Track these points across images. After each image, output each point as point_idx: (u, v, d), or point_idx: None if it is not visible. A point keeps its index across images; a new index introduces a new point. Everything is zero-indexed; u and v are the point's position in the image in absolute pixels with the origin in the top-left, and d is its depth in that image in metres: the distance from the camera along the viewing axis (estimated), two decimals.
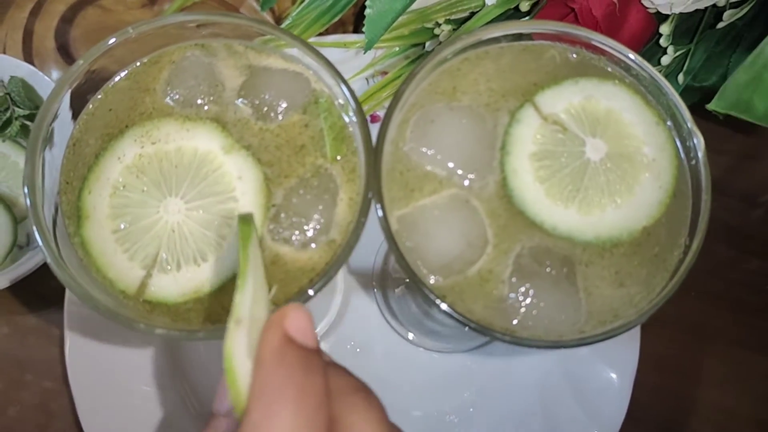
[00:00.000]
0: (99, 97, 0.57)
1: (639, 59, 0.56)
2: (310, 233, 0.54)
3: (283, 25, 0.93)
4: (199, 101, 0.57)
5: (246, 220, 0.45)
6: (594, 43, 0.57)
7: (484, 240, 0.54)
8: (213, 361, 0.96)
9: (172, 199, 0.54)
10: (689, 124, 0.54)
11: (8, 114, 0.86)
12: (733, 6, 0.84)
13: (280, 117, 0.57)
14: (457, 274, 0.54)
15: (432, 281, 0.53)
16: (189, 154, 0.55)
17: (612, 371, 0.90)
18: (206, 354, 0.95)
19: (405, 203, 0.54)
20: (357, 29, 1.07)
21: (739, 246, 1.00)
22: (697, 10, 0.88)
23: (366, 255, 1.04)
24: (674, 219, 0.55)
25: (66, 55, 1.07)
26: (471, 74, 0.57)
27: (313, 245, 0.54)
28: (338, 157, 0.56)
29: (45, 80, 0.90)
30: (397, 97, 0.54)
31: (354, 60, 0.99)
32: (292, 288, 0.54)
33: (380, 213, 0.52)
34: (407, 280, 1.01)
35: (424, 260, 0.53)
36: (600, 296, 0.54)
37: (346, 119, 0.57)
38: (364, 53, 0.85)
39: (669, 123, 0.56)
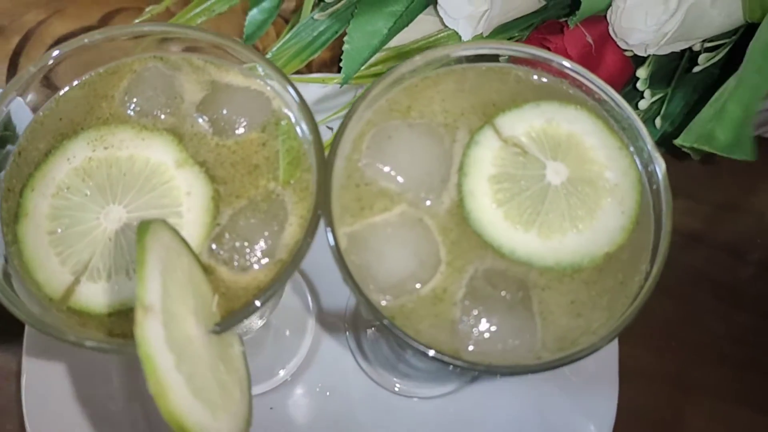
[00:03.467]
0: (50, 105, 0.56)
1: (602, 84, 0.55)
2: (251, 258, 0.53)
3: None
4: (157, 112, 0.56)
5: (148, 223, 0.44)
6: (561, 68, 0.56)
7: (436, 258, 0.52)
8: None
9: (115, 206, 0.52)
10: (651, 149, 0.53)
11: None
12: (708, 50, 0.84)
13: (237, 133, 0.56)
14: (409, 293, 0.51)
15: (382, 301, 0.51)
16: (140, 164, 0.54)
17: (590, 423, 0.87)
18: None
19: (356, 220, 0.53)
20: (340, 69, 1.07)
21: (725, 299, 0.98)
22: (674, 55, 0.88)
23: (338, 297, 1.02)
24: (636, 245, 0.53)
25: (49, 86, 1.07)
26: (428, 92, 0.56)
27: (255, 267, 0.52)
28: (291, 181, 0.55)
29: (25, 110, 0.89)
30: (350, 112, 0.53)
31: (337, 98, 0.99)
32: (237, 304, 0.51)
33: (327, 229, 0.50)
34: (378, 323, 0.98)
35: (374, 279, 0.51)
36: (556, 323, 0.51)
37: (301, 137, 0.56)
38: (341, 87, 0.85)
39: (631, 148, 0.55)
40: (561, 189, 0.54)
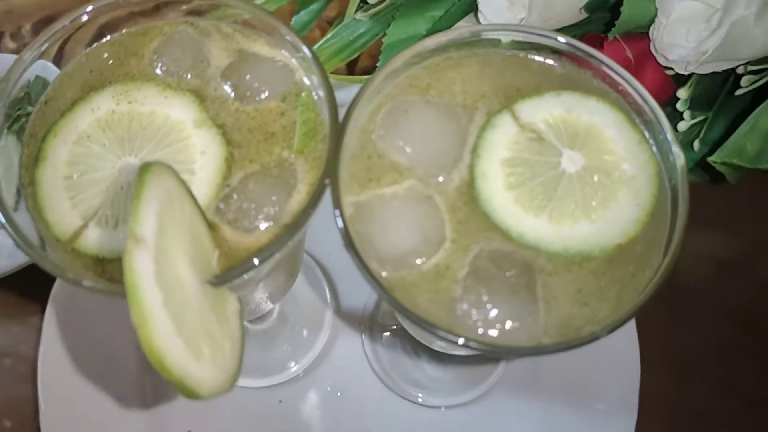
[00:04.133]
0: (80, 59, 0.58)
1: (627, 75, 0.54)
2: (256, 221, 0.53)
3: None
4: (182, 73, 0.57)
5: (152, 164, 0.44)
6: (586, 57, 0.55)
7: (441, 235, 0.51)
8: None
9: (131, 158, 0.53)
10: (671, 143, 0.52)
11: (19, 111, 0.89)
12: (752, 73, 0.82)
13: (258, 100, 0.57)
14: (410, 267, 0.51)
15: (382, 273, 0.50)
16: (160, 120, 0.55)
17: None
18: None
19: (363, 190, 0.53)
20: None
21: (756, 336, 0.94)
22: (718, 79, 0.87)
23: (358, 297, 1.01)
24: (650, 238, 0.51)
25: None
26: (450, 72, 0.56)
27: (259, 230, 0.53)
28: (305, 150, 0.55)
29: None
30: (368, 83, 0.53)
31: None
32: (237, 264, 0.51)
33: (333, 193, 0.50)
34: (394, 327, 0.97)
35: (376, 249, 0.51)
36: (560, 310, 0.50)
37: (320, 110, 0.56)
38: None
39: (651, 142, 0.54)
40: (575, 177, 0.53)
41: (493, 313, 0.50)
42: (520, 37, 0.55)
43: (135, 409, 0.94)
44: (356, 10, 0.95)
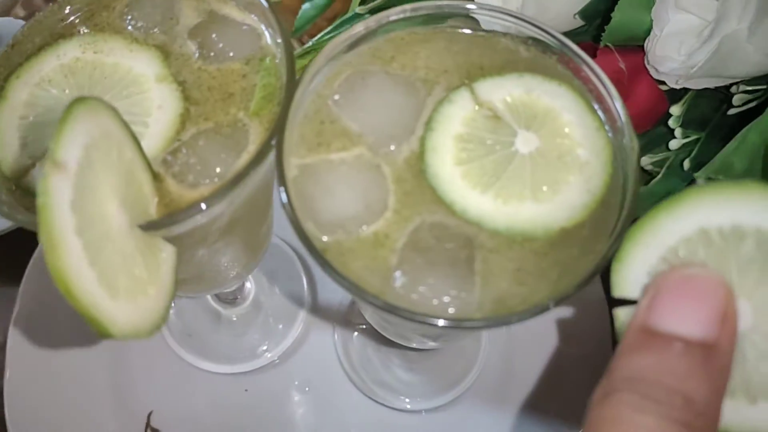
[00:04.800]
0: (53, 7, 0.59)
1: (589, 61, 0.53)
2: (201, 176, 0.53)
3: (306, 46, 0.96)
4: (151, 28, 0.58)
5: (87, 98, 0.44)
6: (551, 42, 0.55)
7: (383, 205, 0.51)
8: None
9: None
10: (627, 133, 0.50)
11: None
12: (747, 92, 0.80)
13: (221, 61, 0.57)
14: (348, 233, 0.50)
15: (321, 237, 0.50)
16: (122, 71, 0.56)
17: None
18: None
19: (310, 153, 0.52)
20: None
21: None
22: (714, 100, 0.85)
23: (335, 294, 1.01)
24: (598, 225, 0.50)
25: None
26: (415, 47, 0.56)
27: (203, 186, 0.52)
28: (261, 113, 0.55)
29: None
30: (328, 48, 0.53)
31: None
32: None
33: (277, 151, 0.49)
34: (363, 326, 0.96)
35: (316, 211, 0.50)
36: (497, 286, 0.48)
37: (281, 75, 0.56)
38: None
39: (609, 130, 0.52)
40: (528, 158, 0.52)
41: (427, 283, 0.49)
42: (487, 16, 0.55)
43: (97, 389, 0.93)
44: (359, 4, 0.96)
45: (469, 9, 0.55)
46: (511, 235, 0.50)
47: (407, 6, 0.54)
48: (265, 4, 0.56)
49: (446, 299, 0.48)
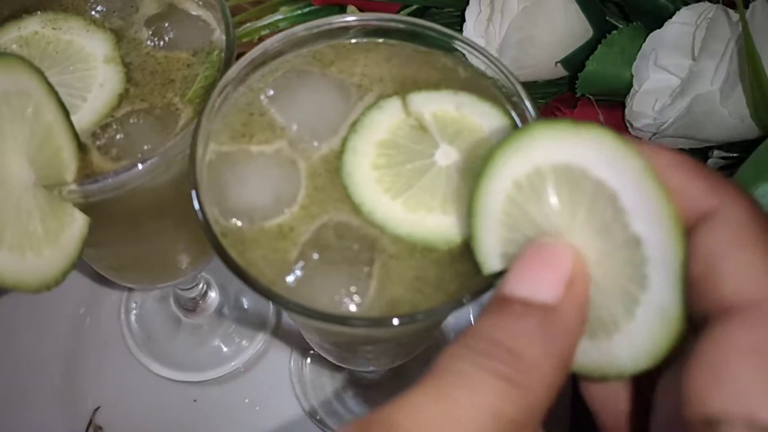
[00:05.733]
0: None
1: (517, 84, 0.53)
2: (124, 152, 0.54)
3: None
4: (110, 13, 0.60)
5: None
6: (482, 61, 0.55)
7: (293, 199, 0.51)
8: None
9: None
10: None
11: None
12: (722, 158, 0.79)
13: (169, 48, 0.59)
14: (251, 222, 0.50)
15: (228, 220, 0.50)
16: (75, 49, 0.58)
17: None
18: None
19: (232, 141, 0.53)
20: None
21: None
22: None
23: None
24: None
25: None
26: (356, 54, 0.57)
27: (126, 161, 0.53)
28: (196, 101, 0.56)
29: None
30: (265, 45, 0.54)
31: None
32: None
33: (195, 140, 0.50)
34: (312, 351, 0.95)
35: (225, 198, 0.50)
36: (392, 291, 0.48)
37: (223, 70, 0.57)
38: None
39: None
40: (444, 171, 0.51)
41: (323, 280, 0.48)
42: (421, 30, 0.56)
43: (49, 377, 0.94)
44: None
45: (411, 25, 0.56)
46: (412, 242, 0.49)
47: (350, 17, 0.55)
48: (225, 5, 0.58)
49: (337, 298, 0.47)
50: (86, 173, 0.53)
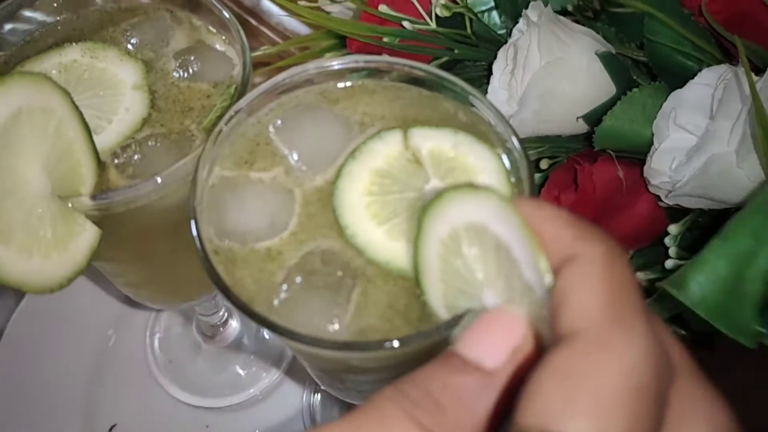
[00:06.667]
0: (71, 17, 0.69)
1: (516, 142, 0.55)
2: (139, 172, 0.58)
3: None
4: (143, 46, 0.65)
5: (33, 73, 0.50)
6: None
7: (284, 225, 0.53)
8: None
9: None
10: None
11: None
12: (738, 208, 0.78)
13: (193, 80, 0.63)
14: (243, 243, 0.53)
15: (220, 240, 0.53)
16: (108, 76, 0.63)
17: None
18: None
19: (235, 167, 0.56)
20: None
21: None
22: (715, 220, 0.83)
23: None
24: None
25: None
26: (362, 96, 0.60)
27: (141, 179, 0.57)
28: (210, 129, 0.60)
29: None
30: (276, 81, 0.57)
31: None
32: None
33: (201, 165, 0.53)
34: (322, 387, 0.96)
35: (220, 218, 0.53)
36: (366, 320, 0.49)
37: None
38: None
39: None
40: None
41: (303, 304, 0.50)
42: (427, 75, 0.58)
43: (69, 393, 0.97)
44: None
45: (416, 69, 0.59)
46: (387, 269, 0.51)
47: (358, 57, 0.58)
48: (244, 41, 0.62)
49: (315, 321, 0.49)
50: (102, 188, 0.57)
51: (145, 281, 0.73)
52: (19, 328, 0.99)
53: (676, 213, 0.83)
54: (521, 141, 0.55)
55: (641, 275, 0.87)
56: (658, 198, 0.84)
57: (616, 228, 0.87)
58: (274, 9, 1.00)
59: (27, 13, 0.66)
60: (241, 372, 0.99)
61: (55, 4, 0.68)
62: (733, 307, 0.68)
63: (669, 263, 0.84)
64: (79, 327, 1.01)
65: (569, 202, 0.87)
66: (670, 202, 0.80)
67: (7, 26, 0.66)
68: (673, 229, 0.83)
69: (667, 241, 0.84)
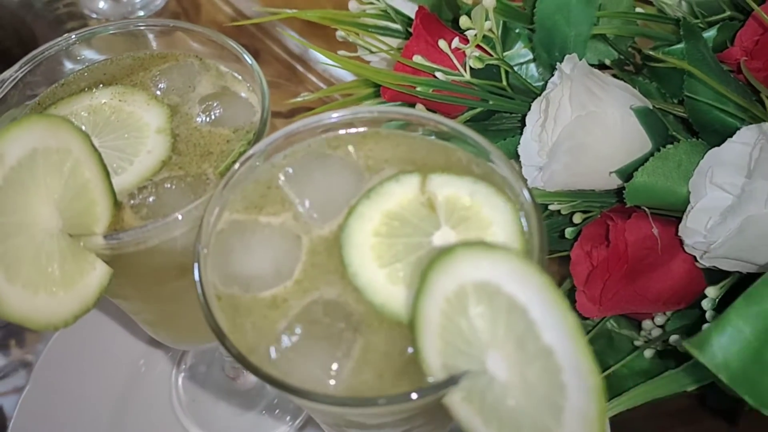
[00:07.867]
0: (105, 62, 0.71)
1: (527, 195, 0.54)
2: (153, 213, 0.59)
3: None
4: (170, 91, 0.67)
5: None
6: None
7: (290, 273, 0.53)
8: None
9: (93, 138, 0.62)
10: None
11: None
12: None
13: (215, 125, 0.64)
14: (246, 290, 0.52)
15: (221, 286, 0.53)
16: (134, 119, 0.65)
17: None
18: None
19: (245, 211, 0.56)
20: None
21: None
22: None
23: None
24: None
25: None
26: (371, 142, 0.59)
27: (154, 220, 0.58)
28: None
29: None
30: (286, 131, 0.58)
31: None
32: None
33: (210, 209, 0.54)
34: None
35: (225, 262, 0.53)
36: (360, 377, 0.48)
37: None
38: None
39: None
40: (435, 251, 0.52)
41: (303, 355, 0.49)
42: (440, 126, 0.58)
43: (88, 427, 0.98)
44: None
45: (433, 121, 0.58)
46: (382, 312, 0.50)
47: (374, 108, 0.58)
48: (265, 88, 0.63)
49: (316, 373, 0.48)
50: (116, 228, 0.58)
51: (159, 320, 0.73)
52: (50, 362, 1.00)
53: (716, 275, 0.80)
54: (532, 194, 0.54)
55: (676, 338, 0.84)
56: (695, 258, 0.81)
57: (651, 287, 0.83)
58: (321, 57, 1.02)
59: (63, 58, 0.69)
60: (262, 416, 0.98)
61: (94, 50, 0.70)
62: (757, 374, 0.64)
63: (706, 327, 0.79)
64: (112, 356, 1.01)
65: (601, 258, 0.85)
66: (706, 263, 0.77)
67: (42, 68, 0.69)
68: (711, 291, 0.80)
69: (704, 304, 0.80)
